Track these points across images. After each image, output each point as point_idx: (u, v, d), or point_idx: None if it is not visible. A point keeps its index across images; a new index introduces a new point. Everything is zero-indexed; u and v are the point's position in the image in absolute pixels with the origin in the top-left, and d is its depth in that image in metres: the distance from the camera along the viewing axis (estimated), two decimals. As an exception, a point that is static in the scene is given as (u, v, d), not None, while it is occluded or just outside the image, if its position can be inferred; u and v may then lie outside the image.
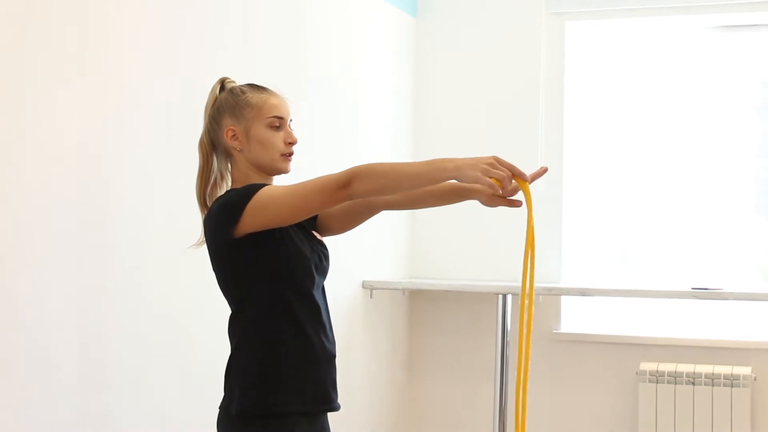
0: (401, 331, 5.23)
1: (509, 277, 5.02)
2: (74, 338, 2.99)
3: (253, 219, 2.43)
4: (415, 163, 2.38)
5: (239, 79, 2.69)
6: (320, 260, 2.60)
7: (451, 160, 2.31)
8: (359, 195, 2.41)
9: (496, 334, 4.85)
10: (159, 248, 3.33)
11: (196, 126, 3.40)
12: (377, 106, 4.95)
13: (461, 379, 5.19)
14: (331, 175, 2.41)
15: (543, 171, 2.51)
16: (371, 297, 4.86)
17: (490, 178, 2.27)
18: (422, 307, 5.28)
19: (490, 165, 2.28)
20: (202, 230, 2.59)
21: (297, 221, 2.48)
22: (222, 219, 2.47)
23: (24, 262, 2.81)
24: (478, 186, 2.38)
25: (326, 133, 4.39)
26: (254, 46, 3.89)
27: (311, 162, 3.65)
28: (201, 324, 3.52)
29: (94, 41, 3.07)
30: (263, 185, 2.48)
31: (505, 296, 4.82)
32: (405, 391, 5.24)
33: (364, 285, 4.81)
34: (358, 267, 4.73)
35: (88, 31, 3.05)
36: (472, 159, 2.29)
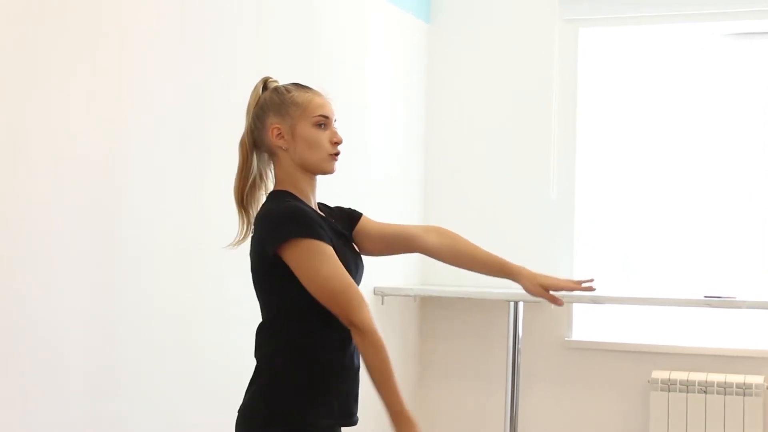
0: (412, 337, 5.21)
1: (521, 284, 5.00)
2: (84, 342, 2.99)
3: (291, 255, 2.41)
4: (394, 383, 2.43)
5: (251, 84, 2.68)
6: (356, 272, 2.61)
7: (406, 415, 2.42)
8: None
9: (507, 341, 4.83)
10: (170, 252, 3.32)
11: (207, 127, 3.40)
12: (390, 111, 4.94)
13: (472, 386, 5.17)
14: (363, 306, 2.43)
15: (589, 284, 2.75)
16: (382, 303, 4.85)
17: None
18: (433, 313, 5.27)
19: None
20: (241, 229, 2.57)
21: (308, 293, 2.45)
22: (273, 232, 2.44)
23: (33, 265, 2.81)
24: (524, 272, 2.73)
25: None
26: (266, 51, 3.89)
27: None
28: (211, 328, 3.51)
29: (106, 42, 3.07)
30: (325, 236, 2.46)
31: (516, 303, 4.81)
32: (415, 398, 5.22)
33: (376, 291, 4.79)
34: (370, 273, 4.68)
35: (101, 31, 3.05)
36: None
